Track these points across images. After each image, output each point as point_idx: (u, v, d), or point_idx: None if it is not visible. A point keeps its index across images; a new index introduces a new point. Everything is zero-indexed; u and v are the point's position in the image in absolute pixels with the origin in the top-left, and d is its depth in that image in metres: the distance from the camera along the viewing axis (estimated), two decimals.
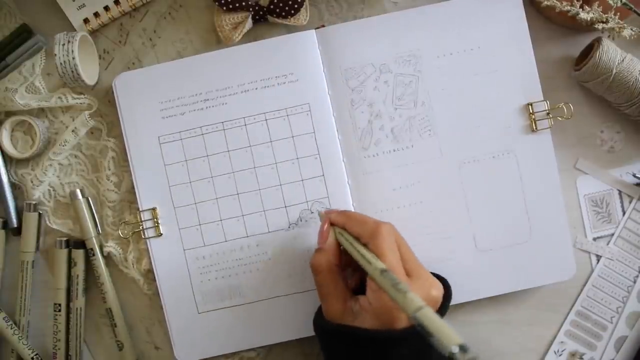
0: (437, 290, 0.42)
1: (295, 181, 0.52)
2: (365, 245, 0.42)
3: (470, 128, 0.52)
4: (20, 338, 0.52)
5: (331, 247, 0.45)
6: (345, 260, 0.46)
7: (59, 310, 0.53)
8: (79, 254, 0.53)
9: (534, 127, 0.52)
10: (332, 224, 0.46)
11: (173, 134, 0.52)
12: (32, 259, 0.53)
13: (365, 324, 0.41)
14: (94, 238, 0.53)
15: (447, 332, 0.30)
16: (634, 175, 0.54)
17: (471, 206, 0.52)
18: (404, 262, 0.42)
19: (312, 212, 0.52)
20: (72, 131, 0.53)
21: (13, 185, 0.54)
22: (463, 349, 0.29)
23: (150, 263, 0.52)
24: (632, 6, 0.49)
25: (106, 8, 0.53)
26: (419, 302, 0.33)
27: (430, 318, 0.31)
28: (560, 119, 0.52)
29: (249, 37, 0.53)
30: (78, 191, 0.53)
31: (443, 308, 0.43)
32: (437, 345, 0.30)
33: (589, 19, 0.49)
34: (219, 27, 0.52)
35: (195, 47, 0.54)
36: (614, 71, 0.49)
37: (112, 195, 0.53)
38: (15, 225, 0.53)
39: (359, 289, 0.46)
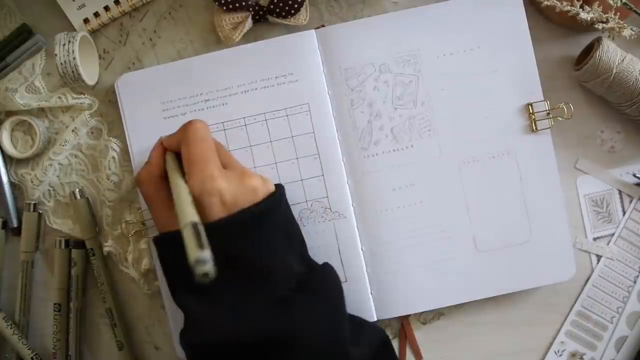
0: (257, 181, 0.43)
1: (295, 181, 0.52)
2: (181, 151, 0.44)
3: (470, 128, 0.52)
4: (20, 338, 0.52)
5: (154, 160, 0.46)
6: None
7: (59, 310, 0.53)
8: (79, 254, 0.53)
9: (534, 127, 0.52)
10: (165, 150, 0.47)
11: None
12: (32, 259, 0.53)
13: None
14: (94, 238, 0.53)
15: (193, 248, 0.35)
16: (634, 175, 0.54)
17: (471, 206, 0.52)
18: (220, 157, 0.44)
19: (311, 212, 0.52)
20: (72, 131, 0.53)
21: (13, 185, 0.54)
22: (200, 262, 0.34)
23: (151, 263, 0.52)
24: (632, 6, 0.49)
25: (106, 8, 0.53)
26: (192, 217, 0.37)
27: (188, 236, 0.35)
28: (560, 119, 0.52)
29: (249, 37, 0.53)
30: (78, 191, 0.53)
31: (273, 197, 0.44)
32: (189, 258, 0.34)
33: (589, 19, 0.49)
34: (219, 27, 0.52)
35: (195, 47, 0.54)
36: (614, 71, 0.49)
37: (112, 195, 0.53)
38: (15, 225, 0.53)
39: None
